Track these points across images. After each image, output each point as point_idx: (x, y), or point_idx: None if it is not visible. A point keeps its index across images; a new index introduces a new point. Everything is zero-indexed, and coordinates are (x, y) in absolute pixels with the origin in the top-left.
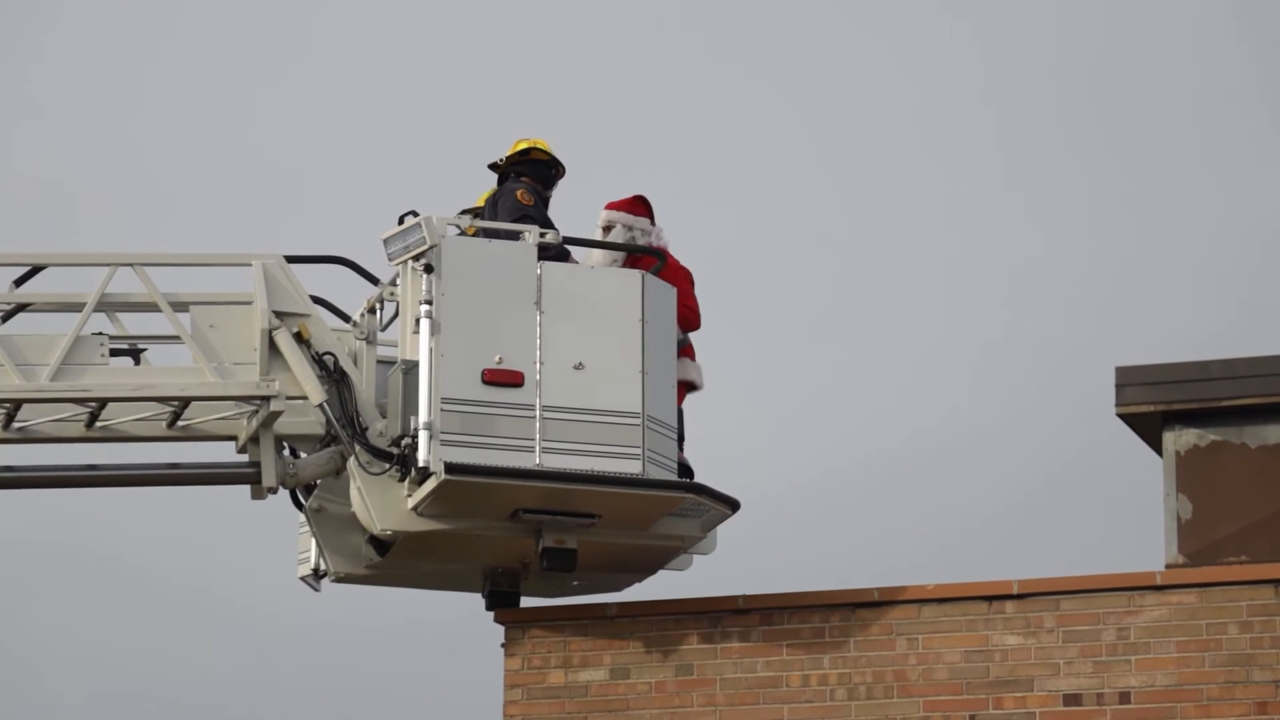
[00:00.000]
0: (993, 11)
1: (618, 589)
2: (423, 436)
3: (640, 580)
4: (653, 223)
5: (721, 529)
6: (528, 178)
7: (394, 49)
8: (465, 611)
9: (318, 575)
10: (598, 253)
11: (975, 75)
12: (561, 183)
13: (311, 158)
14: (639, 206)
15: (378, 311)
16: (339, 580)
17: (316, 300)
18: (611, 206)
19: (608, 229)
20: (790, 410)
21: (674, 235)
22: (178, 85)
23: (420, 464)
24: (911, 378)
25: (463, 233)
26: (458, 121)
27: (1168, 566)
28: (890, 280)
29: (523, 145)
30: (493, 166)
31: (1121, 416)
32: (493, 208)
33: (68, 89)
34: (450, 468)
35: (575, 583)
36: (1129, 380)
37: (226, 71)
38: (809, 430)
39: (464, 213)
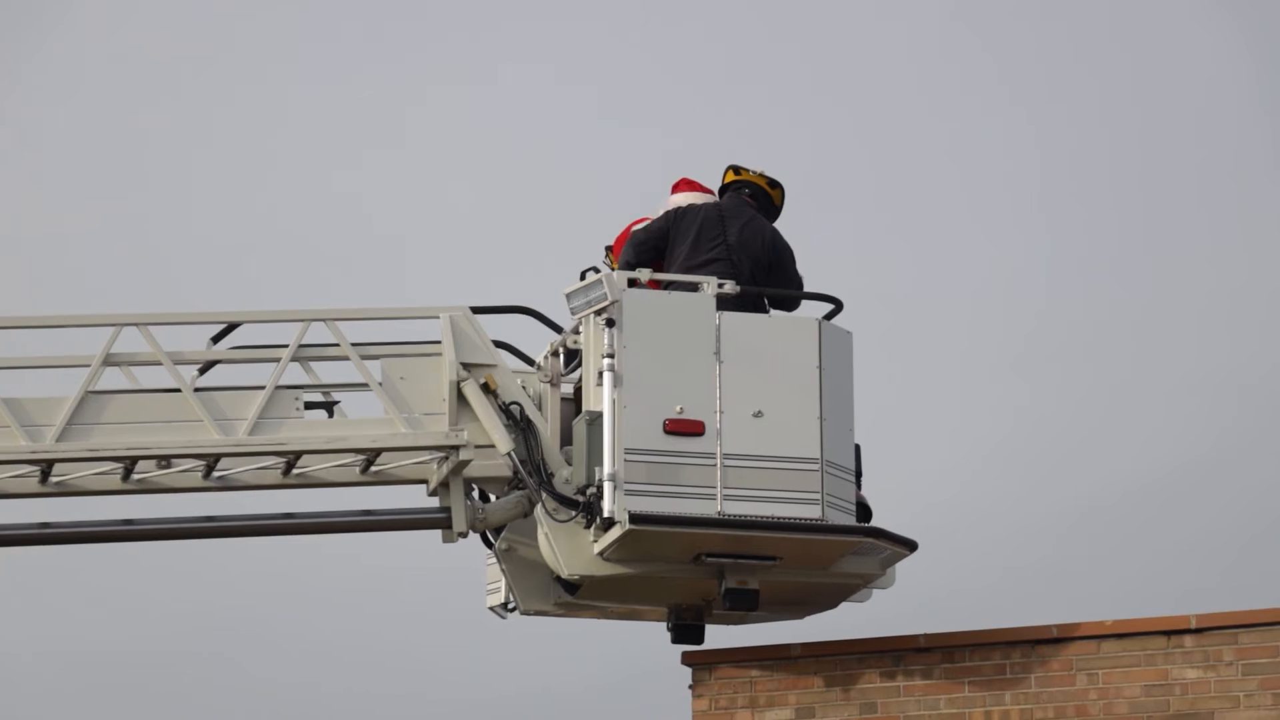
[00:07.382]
0: None
1: (800, 618)
2: (607, 487)
3: (822, 612)
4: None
5: (902, 564)
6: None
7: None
8: (648, 650)
9: (506, 607)
10: None
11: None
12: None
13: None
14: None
15: (560, 355)
16: (527, 614)
17: (500, 345)
18: (690, 188)
19: None
20: (1014, 437)
21: None
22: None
23: (605, 514)
24: (1114, 421)
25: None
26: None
27: None
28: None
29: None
30: (739, 175)
31: None
32: (780, 265)
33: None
34: (634, 518)
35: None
36: None
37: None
38: (1017, 463)
39: None
